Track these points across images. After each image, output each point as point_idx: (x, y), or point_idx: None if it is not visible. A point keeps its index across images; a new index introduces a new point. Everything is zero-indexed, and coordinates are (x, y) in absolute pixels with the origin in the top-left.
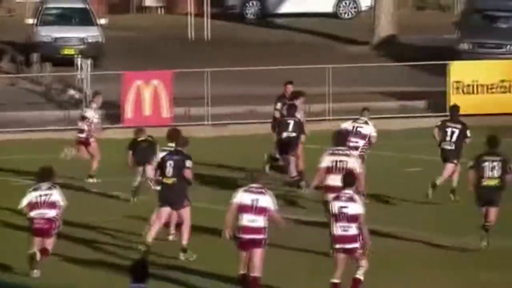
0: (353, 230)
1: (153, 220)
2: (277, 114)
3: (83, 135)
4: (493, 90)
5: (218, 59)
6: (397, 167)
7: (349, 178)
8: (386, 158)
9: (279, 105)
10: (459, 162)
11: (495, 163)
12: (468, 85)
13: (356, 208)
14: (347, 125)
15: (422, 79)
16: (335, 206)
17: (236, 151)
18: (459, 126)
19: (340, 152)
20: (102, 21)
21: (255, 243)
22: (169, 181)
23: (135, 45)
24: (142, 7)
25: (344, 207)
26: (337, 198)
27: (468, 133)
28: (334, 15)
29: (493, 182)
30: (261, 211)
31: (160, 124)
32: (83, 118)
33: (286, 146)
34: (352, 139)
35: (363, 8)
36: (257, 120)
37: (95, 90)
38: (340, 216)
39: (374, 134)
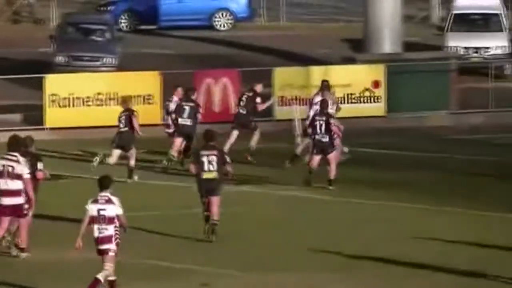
0: (109, 231)
1: None
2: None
3: (170, 130)
4: (90, 103)
5: None
6: None
7: (104, 181)
8: None
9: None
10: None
11: (212, 157)
12: (65, 98)
13: (113, 209)
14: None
15: (18, 93)
16: (93, 209)
17: None
18: (324, 118)
19: (9, 157)
20: None
21: None
22: None
23: None
24: None
25: (103, 209)
26: (95, 201)
27: (333, 121)
28: None
29: (212, 175)
30: None
31: None
32: (170, 112)
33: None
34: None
35: None
36: None
37: (175, 84)
38: (99, 218)
39: (333, 120)
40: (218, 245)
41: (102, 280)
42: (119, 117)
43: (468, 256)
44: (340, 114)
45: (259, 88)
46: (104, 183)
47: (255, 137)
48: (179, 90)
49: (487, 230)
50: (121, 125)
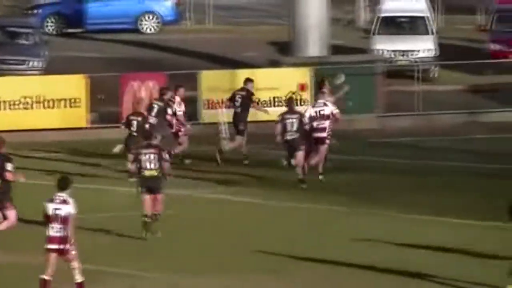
0: (64, 231)
1: None
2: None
3: (172, 130)
4: (16, 107)
5: None
6: None
7: (63, 182)
8: None
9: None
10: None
11: (151, 155)
12: None
13: (68, 210)
14: (310, 111)
15: None
16: (49, 208)
17: None
18: (296, 116)
19: None
20: None
21: None
22: None
23: None
24: None
25: (58, 209)
26: (51, 201)
27: (305, 120)
28: None
29: (153, 173)
30: None
31: None
32: (174, 113)
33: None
34: (319, 121)
35: None
36: None
37: (177, 84)
38: (54, 218)
39: (336, 111)
40: (147, 248)
41: (82, 279)
42: (131, 120)
43: (405, 259)
44: (267, 117)
45: (250, 85)
46: (62, 184)
47: (236, 142)
48: (181, 90)
49: (418, 232)
50: (132, 128)
